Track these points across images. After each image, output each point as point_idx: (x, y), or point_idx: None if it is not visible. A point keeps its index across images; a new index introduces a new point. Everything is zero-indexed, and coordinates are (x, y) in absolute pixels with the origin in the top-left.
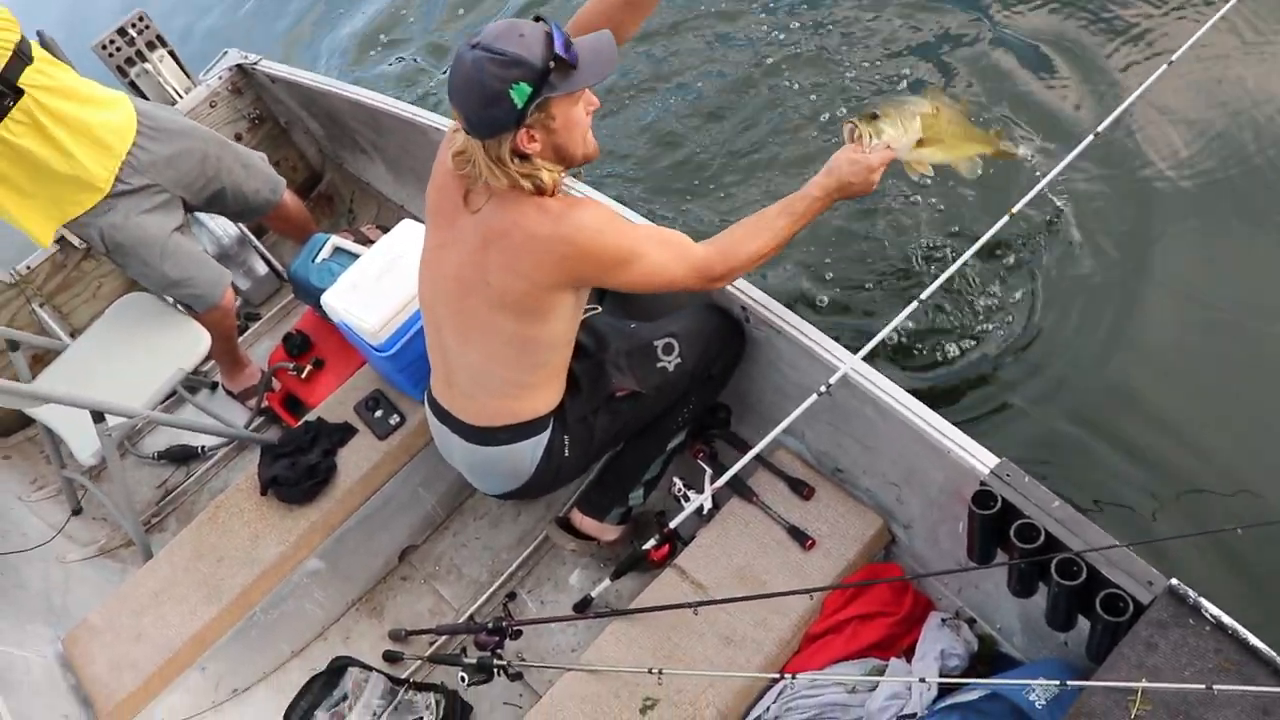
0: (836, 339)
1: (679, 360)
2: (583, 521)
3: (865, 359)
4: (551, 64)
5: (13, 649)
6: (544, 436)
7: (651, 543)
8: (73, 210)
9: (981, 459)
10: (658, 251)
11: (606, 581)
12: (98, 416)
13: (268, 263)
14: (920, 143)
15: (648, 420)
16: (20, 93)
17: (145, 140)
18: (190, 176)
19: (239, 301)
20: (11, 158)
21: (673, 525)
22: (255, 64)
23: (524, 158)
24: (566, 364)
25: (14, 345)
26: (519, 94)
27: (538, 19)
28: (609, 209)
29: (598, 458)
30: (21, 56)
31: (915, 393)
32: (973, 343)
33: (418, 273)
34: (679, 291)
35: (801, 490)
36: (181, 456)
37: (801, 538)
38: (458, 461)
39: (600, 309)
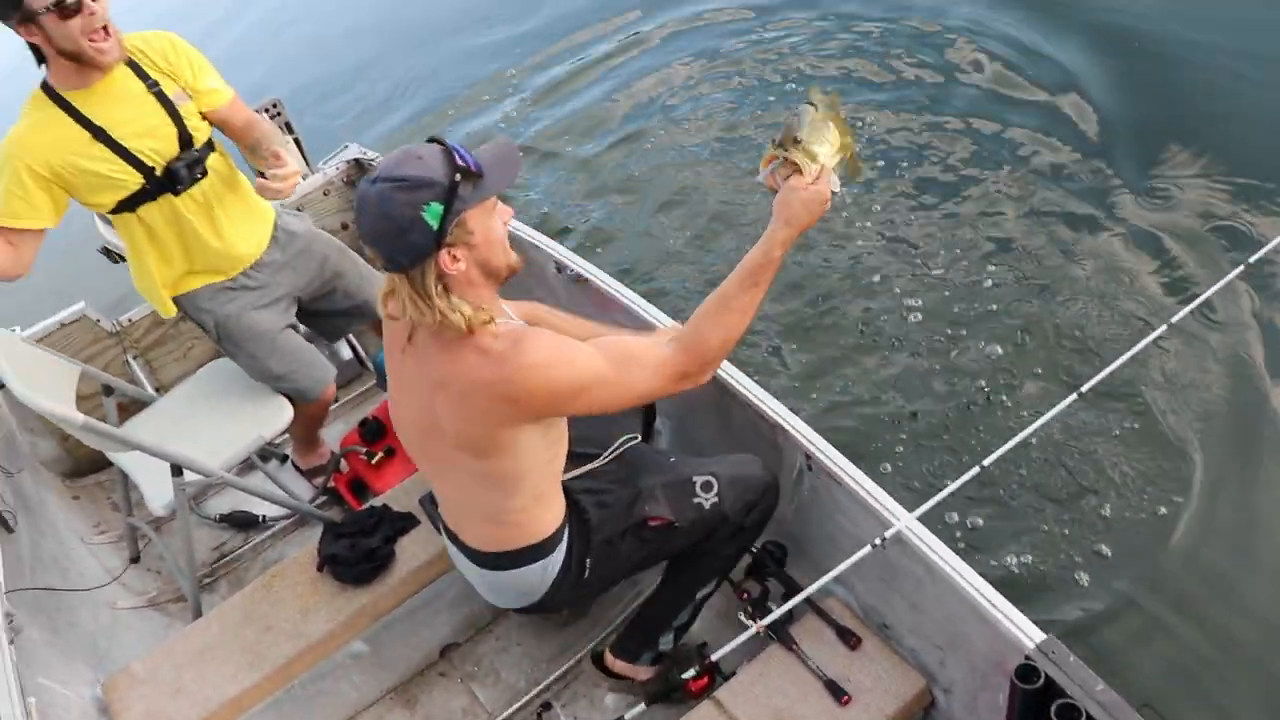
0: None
1: (716, 500)
2: (615, 663)
3: (921, 519)
4: (457, 177)
5: (56, 685)
6: (555, 558)
7: (691, 673)
8: (196, 282)
9: (1028, 633)
10: (617, 372)
11: (641, 706)
12: (176, 470)
13: (353, 349)
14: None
15: (674, 554)
16: (205, 173)
17: (275, 244)
18: (307, 279)
19: None
20: (175, 228)
21: (715, 658)
22: (371, 160)
23: (447, 289)
24: (555, 483)
25: (109, 390)
26: (432, 215)
27: (431, 140)
28: (555, 337)
29: (624, 578)
30: (212, 142)
31: (966, 555)
32: (1033, 510)
33: None
34: (659, 398)
35: (849, 640)
36: (242, 522)
37: (838, 692)
38: (471, 579)
39: (639, 438)
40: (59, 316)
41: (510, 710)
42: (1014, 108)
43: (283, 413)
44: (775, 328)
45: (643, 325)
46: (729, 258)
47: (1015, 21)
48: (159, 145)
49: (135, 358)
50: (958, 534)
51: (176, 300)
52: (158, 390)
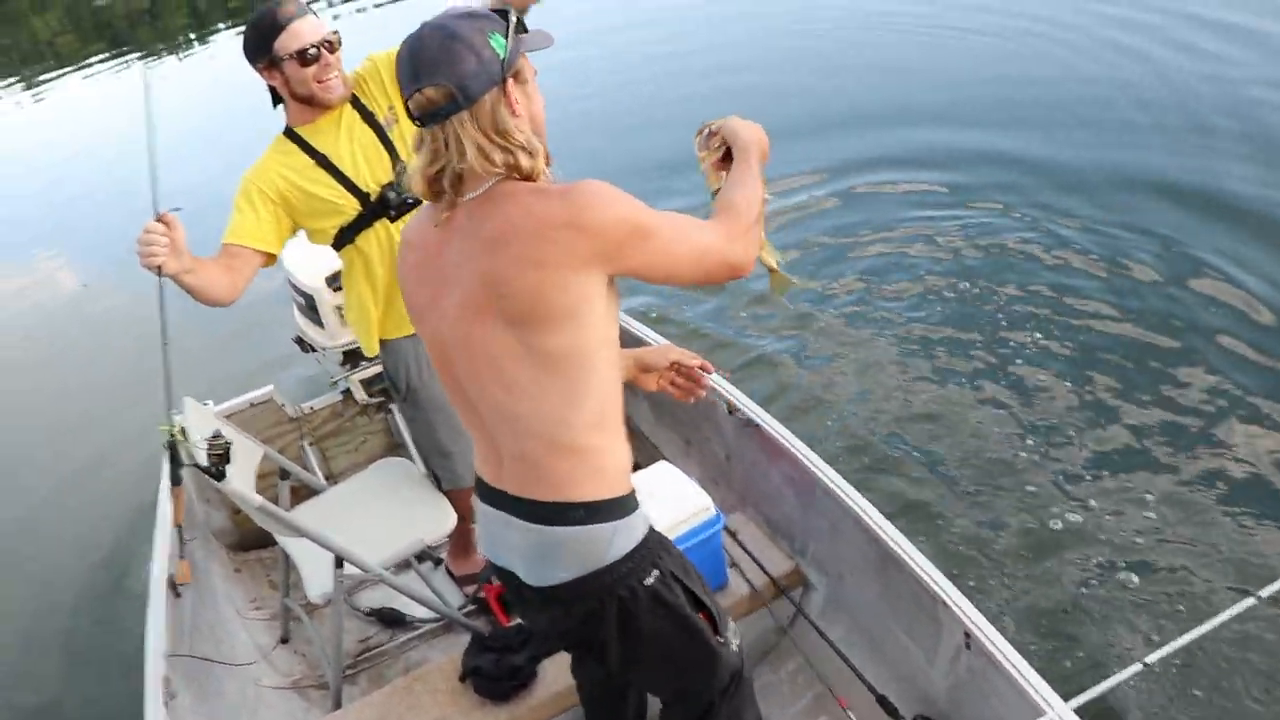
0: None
1: (737, 650)
2: None
3: (1077, 710)
4: (512, 17)
5: None
6: (631, 527)
7: None
8: (407, 329)
9: None
10: (674, 224)
11: None
12: (338, 562)
13: None
14: None
15: (678, 685)
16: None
17: None
18: None
19: None
20: (390, 260)
21: None
22: None
23: (505, 133)
24: (618, 407)
25: (284, 474)
26: (497, 44)
27: None
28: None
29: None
30: None
31: None
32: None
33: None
34: (699, 280)
35: None
36: (390, 619)
37: None
38: (515, 552)
39: None
40: (249, 396)
41: None
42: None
43: (447, 520)
44: (947, 494)
45: (807, 481)
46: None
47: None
48: (373, 171)
49: (311, 445)
50: None
51: (382, 343)
52: (328, 479)
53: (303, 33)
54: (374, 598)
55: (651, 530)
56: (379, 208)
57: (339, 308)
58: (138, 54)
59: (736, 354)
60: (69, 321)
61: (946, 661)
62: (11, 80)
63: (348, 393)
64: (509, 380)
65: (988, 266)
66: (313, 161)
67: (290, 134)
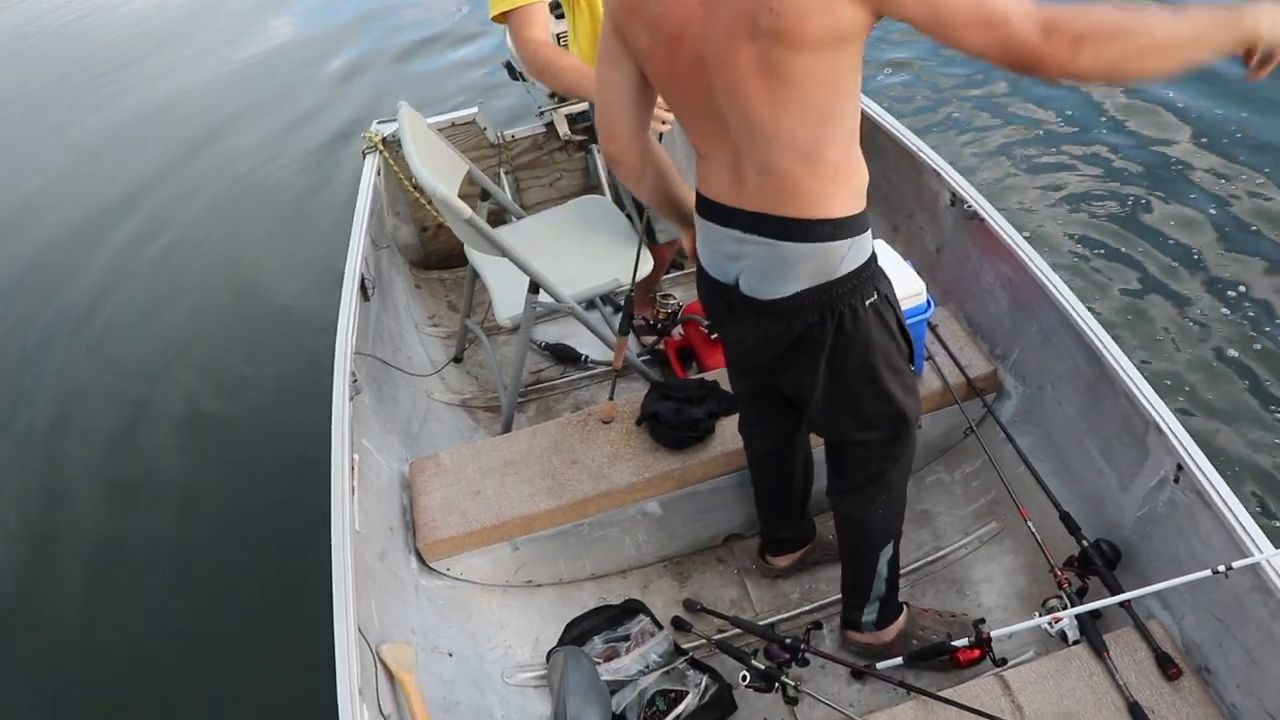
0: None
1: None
2: (851, 635)
3: None
4: None
5: (373, 449)
6: (862, 244)
7: (964, 642)
8: None
9: None
10: None
11: (899, 660)
12: (533, 288)
13: None
14: None
15: (876, 395)
16: None
17: None
18: None
19: None
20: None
21: (995, 635)
22: None
23: None
24: (856, 137)
25: (485, 195)
26: None
27: None
28: None
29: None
30: None
31: None
32: None
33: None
34: (973, 48)
35: (1167, 669)
36: (564, 355)
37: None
38: (744, 267)
39: None
40: (452, 115)
41: (779, 617)
42: None
43: (646, 265)
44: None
45: (1027, 284)
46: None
47: None
48: None
49: (507, 173)
50: None
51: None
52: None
53: None
54: (550, 331)
55: (874, 253)
56: None
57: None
58: None
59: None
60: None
61: (1144, 491)
62: None
63: (550, 126)
64: (770, 96)
65: None
66: None
67: None
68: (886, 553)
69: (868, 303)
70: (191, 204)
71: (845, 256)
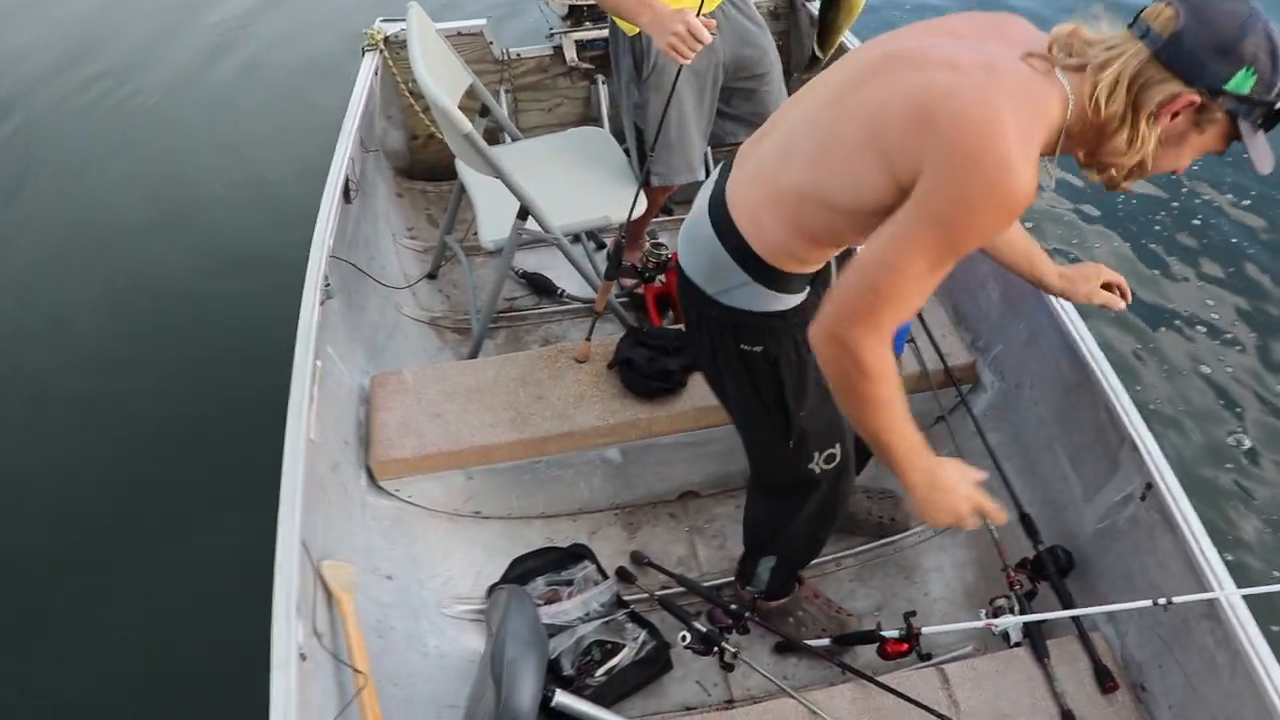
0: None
1: (821, 473)
2: (739, 591)
3: (1248, 600)
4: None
5: (336, 357)
6: (769, 301)
7: (895, 634)
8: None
9: None
10: (911, 236)
11: (827, 641)
12: (522, 213)
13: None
14: None
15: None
16: None
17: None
18: (737, 65)
19: None
20: None
21: (926, 632)
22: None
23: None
24: (822, 264)
25: (484, 112)
26: (1241, 79)
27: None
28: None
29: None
30: None
31: None
32: None
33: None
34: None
35: (1105, 682)
36: (540, 286)
37: None
38: (686, 240)
39: None
40: (459, 24)
41: (723, 580)
42: None
43: (639, 206)
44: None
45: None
46: None
47: None
48: None
49: (508, 92)
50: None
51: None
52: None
53: None
54: (529, 260)
55: (792, 321)
56: None
57: None
58: None
59: None
60: None
61: (1109, 504)
62: None
63: (558, 49)
64: (828, 151)
65: None
66: None
67: None
68: (768, 562)
69: (743, 345)
70: (185, 70)
71: (734, 288)
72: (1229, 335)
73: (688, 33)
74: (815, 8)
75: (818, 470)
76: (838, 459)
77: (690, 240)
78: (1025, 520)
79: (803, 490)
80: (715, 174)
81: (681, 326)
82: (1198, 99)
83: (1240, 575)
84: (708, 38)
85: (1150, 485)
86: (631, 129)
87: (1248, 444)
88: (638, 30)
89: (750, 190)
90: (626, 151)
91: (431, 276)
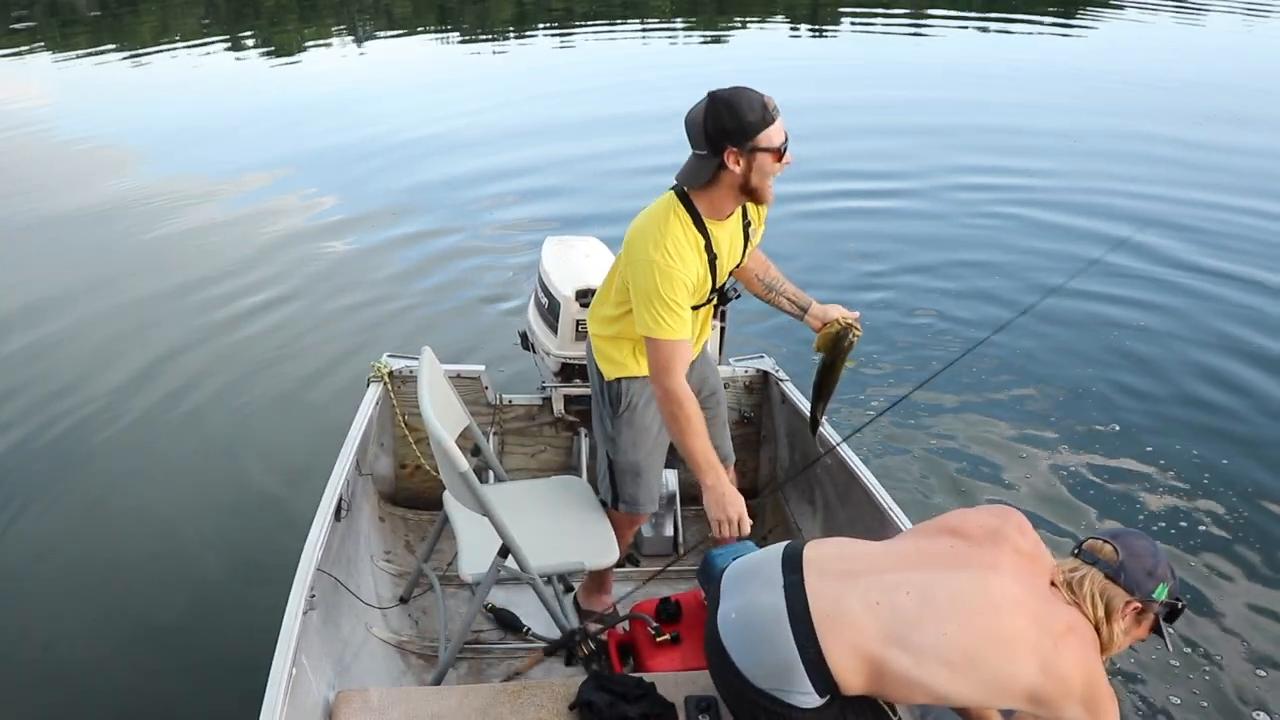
0: None
1: None
2: None
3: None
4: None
5: (309, 669)
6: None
7: None
8: (645, 373)
9: None
10: None
11: None
12: (503, 551)
13: (677, 530)
14: None
15: None
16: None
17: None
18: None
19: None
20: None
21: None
22: (780, 379)
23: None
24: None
25: (475, 452)
26: (1161, 590)
27: None
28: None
29: None
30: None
31: None
32: None
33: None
34: None
35: None
36: (506, 622)
37: None
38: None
39: None
40: (459, 367)
41: None
42: None
43: (610, 555)
44: None
45: None
46: None
47: None
48: (728, 267)
49: (496, 434)
50: None
51: (619, 377)
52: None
53: (781, 130)
54: (497, 595)
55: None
56: (715, 296)
57: (580, 323)
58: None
59: None
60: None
61: None
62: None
63: (547, 400)
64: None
65: None
66: (703, 245)
67: (696, 220)
68: None
69: None
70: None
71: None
72: None
73: (736, 522)
74: (789, 388)
75: None
76: None
77: (754, 637)
78: None
79: None
80: (772, 570)
81: (641, 675)
82: (1140, 605)
83: None
84: (747, 530)
85: None
86: (604, 458)
87: None
88: (616, 376)
89: (857, 633)
90: (603, 503)
91: (404, 600)
